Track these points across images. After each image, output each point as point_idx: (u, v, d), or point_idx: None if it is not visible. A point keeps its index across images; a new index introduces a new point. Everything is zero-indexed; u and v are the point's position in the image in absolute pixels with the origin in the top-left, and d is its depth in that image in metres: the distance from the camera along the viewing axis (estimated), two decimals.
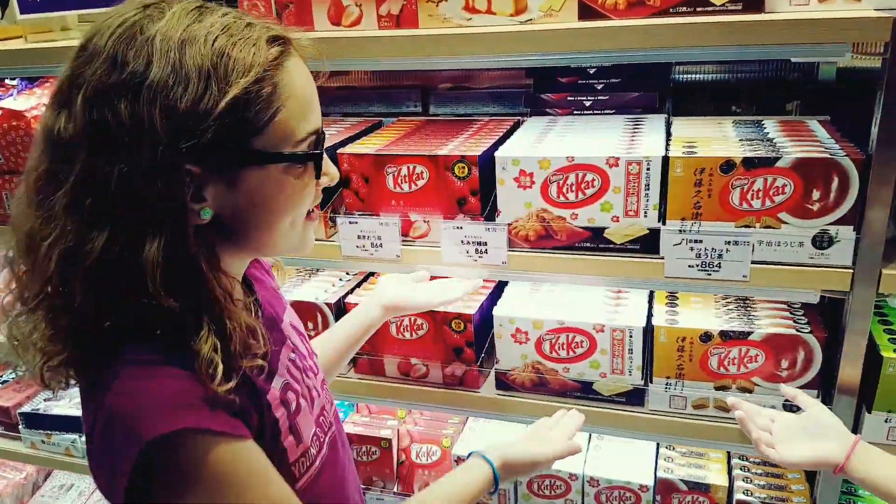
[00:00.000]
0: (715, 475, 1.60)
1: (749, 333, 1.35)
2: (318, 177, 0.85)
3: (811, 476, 1.55)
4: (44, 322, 0.76)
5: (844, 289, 1.22)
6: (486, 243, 1.39)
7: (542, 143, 1.40)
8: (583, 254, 1.35)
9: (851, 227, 1.19)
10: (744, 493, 1.54)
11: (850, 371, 1.27)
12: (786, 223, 1.23)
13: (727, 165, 1.23)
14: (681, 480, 1.60)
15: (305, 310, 1.62)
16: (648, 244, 1.32)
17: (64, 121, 0.72)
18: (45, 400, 2.19)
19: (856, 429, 1.32)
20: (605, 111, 1.59)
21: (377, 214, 1.47)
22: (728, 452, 1.68)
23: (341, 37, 1.37)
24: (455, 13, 1.31)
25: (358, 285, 1.71)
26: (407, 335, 1.57)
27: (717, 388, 1.41)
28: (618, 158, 1.28)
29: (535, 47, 1.25)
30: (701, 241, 1.28)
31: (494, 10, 1.28)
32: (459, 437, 1.83)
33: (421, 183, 1.42)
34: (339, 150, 1.47)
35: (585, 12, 1.23)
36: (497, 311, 1.50)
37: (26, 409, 2.16)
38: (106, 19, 0.74)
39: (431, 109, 1.84)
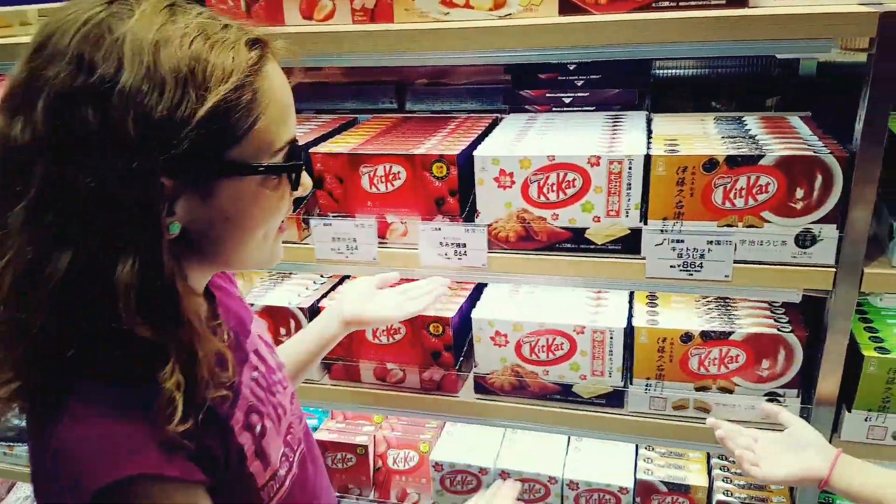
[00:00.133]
0: (695, 476, 1.59)
1: (730, 333, 1.34)
2: (295, 188, 0.80)
3: None
4: None
5: (827, 288, 1.22)
6: (465, 245, 1.35)
7: (521, 141, 1.37)
8: (564, 255, 1.32)
9: (835, 226, 1.18)
10: (724, 493, 1.53)
11: (831, 370, 1.26)
12: (769, 222, 1.22)
13: (710, 164, 1.21)
14: (660, 482, 1.59)
15: (278, 315, 1.57)
16: (630, 244, 1.29)
17: (20, 127, 0.65)
18: None
19: (836, 428, 1.32)
20: (585, 108, 1.56)
21: (353, 216, 1.42)
22: (707, 453, 1.67)
23: (313, 32, 1.32)
24: (432, 7, 1.27)
25: (332, 289, 1.66)
26: (383, 339, 1.53)
27: (697, 389, 1.40)
28: (599, 157, 1.25)
29: (514, 43, 1.22)
30: (683, 241, 1.26)
31: (472, 4, 1.24)
32: (438, 442, 1.79)
33: (398, 183, 1.37)
34: (312, 150, 1.42)
35: (566, 7, 1.20)
36: (476, 314, 1.47)
37: None
38: (65, 16, 0.67)
39: (408, 106, 1.79)
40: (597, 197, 1.28)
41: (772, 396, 1.35)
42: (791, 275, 1.22)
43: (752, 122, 1.41)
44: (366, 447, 1.76)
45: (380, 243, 1.41)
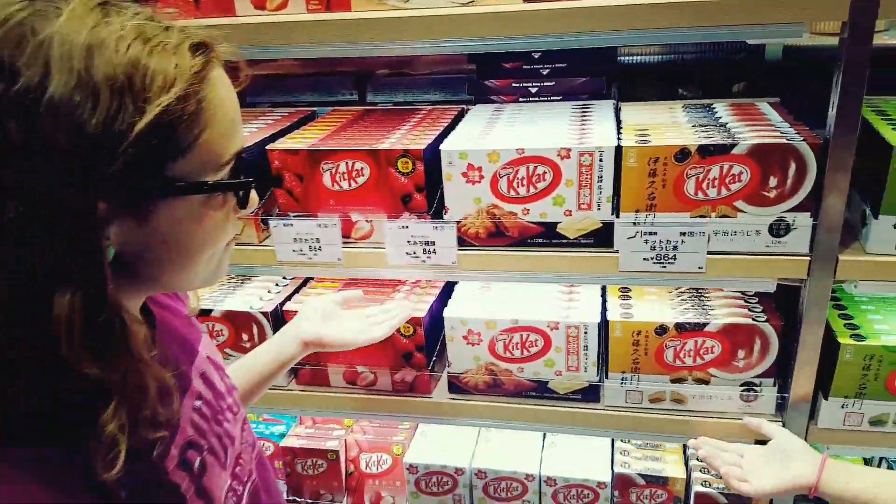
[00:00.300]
0: (672, 467, 1.58)
1: (705, 325, 1.32)
2: (243, 206, 0.72)
3: None
4: None
5: (802, 276, 1.20)
6: (434, 243, 1.30)
7: (489, 134, 1.32)
8: (536, 250, 1.28)
9: (809, 214, 1.17)
10: (702, 484, 1.52)
11: (808, 359, 1.26)
12: (742, 212, 1.19)
13: (682, 154, 1.18)
14: (638, 475, 1.57)
15: (239, 321, 1.50)
16: (602, 238, 1.26)
17: None
18: None
19: (813, 415, 1.31)
20: (552, 97, 1.52)
21: (315, 215, 1.35)
22: (684, 444, 1.66)
23: (266, 22, 1.25)
24: None
25: (296, 290, 1.60)
26: None
27: (673, 381, 1.38)
28: (570, 149, 1.21)
29: (478, 32, 1.17)
30: (655, 234, 1.23)
31: None
32: (411, 444, 1.74)
33: (361, 180, 1.31)
34: (269, 146, 1.35)
35: None
36: (448, 313, 1.42)
37: None
38: None
39: (368, 97, 1.72)
40: (568, 190, 1.24)
41: (748, 386, 1.34)
42: (765, 264, 1.20)
43: (722, 108, 1.38)
44: (337, 452, 1.71)
45: (344, 243, 1.36)
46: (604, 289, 1.49)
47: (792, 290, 1.25)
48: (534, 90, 1.52)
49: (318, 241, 1.35)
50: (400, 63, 1.70)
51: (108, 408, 0.60)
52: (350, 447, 1.75)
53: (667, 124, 1.31)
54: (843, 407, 1.28)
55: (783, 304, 1.33)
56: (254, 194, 0.75)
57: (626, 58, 1.60)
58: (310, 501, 1.76)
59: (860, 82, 1.06)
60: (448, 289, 1.55)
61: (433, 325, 1.48)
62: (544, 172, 1.23)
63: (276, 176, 1.35)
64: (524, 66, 1.52)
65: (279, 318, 1.50)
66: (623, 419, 1.41)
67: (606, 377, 1.40)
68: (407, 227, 1.30)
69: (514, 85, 1.53)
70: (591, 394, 1.42)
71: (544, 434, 1.74)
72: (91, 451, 0.60)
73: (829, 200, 1.14)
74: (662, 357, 1.36)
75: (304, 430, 1.81)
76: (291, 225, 1.36)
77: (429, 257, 1.31)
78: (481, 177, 1.25)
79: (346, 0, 1.23)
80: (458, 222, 1.29)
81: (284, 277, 1.66)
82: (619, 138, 1.23)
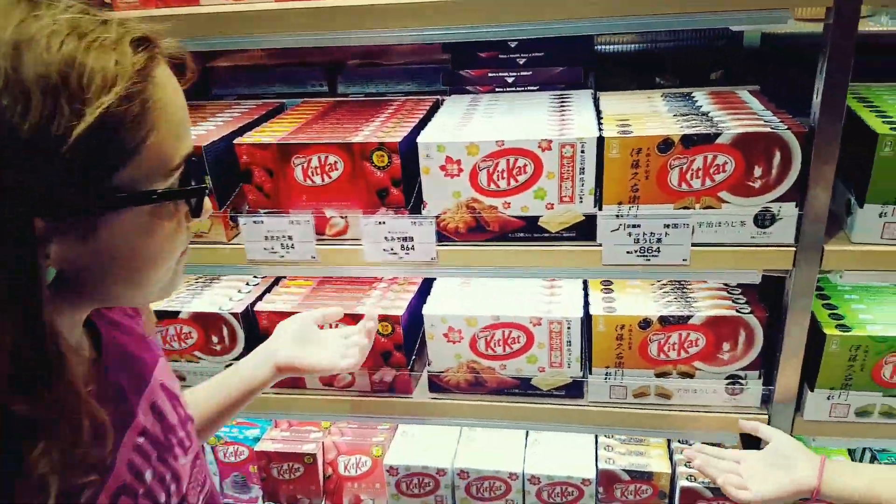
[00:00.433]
0: (657, 462, 1.57)
1: (689, 317, 1.30)
2: (196, 214, 0.67)
3: None
4: None
5: (787, 267, 1.18)
6: (412, 238, 1.25)
7: (466, 125, 1.27)
8: (517, 244, 1.25)
9: (794, 204, 1.15)
10: (687, 478, 1.50)
11: (793, 350, 1.24)
12: (727, 202, 1.17)
13: (665, 144, 1.15)
14: (623, 470, 1.55)
15: (208, 323, 1.44)
16: (585, 231, 1.23)
17: None
18: None
19: (799, 407, 1.30)
20: (529, 87, 1.48)
21: (286, 212, 1.30)
22: (668, 439, 1.64)
23: (231, 11, 1.18)
24: None
25: (268, 290, 1.54)
26: None
27: (658, 375, 1.36)
28: (550, 141, 1.17)
29: (453, 19, 1.12)
30: (639, 226, 1.20)
31: None
32: (391, 445, 1.70)
33: (335, 174, 1.26)
34: (237, 140, 1.29)
35: None
36: (427, 310, 1.38)
37: None
38: None
39: (340, 89, 1.66)
40: (549, 183, 1.20)
41: (733, 379, 1.32)
42: (751, 255, 1.18)
43: (702, 97, 1.36)
44: (314, 455, 1.66)
45: (318, 240, 1.30)
46: (585, 282, 1.46)
47: (776, 281, 1.23)
48: (510, 80, 1.48)
49: (290, 238, 1.30)
50: (372, 53, 1.65)
51: (36, 447, 0.54)
52: (328, 450, 1.70)
53: (647, 114, 1.28)
54: (829, 398, 1.27)
55: (767, 296, 1.32)
56: (207, 202, 0.69)
57: (603, 46, 1.57)
58: None
59: (845, 69, 1.03)
60: (426, 285, 1.51)
61: (412, 322, 1.44)
62: (525, 165, 1.19)
63: (245, 171, 1.29)
64: (500, 56, 1.47)
65: (250, 318, 1.45)
66: (608, 415, 1.38)
67: (590, 373, 1.38)
68: (384, 222, 1.26)
69: (490, 75, 1.49)
70: (574, 390, 1.39)
71: (527, 432, 1.71)
72: (16, 494, 0.54)
73: (814, 190, 1.12)
74: (646, 351, 1.34)
75: (280, 433, 1.75)
76: (262, 222, 1.30)
77: (407, 253, 1.27)
78: (460, 170, 1.21)
79: None
80: (437, 217, 1.25)
81: (255, 276, 1.60)
82: (600, 129, 1.20)
